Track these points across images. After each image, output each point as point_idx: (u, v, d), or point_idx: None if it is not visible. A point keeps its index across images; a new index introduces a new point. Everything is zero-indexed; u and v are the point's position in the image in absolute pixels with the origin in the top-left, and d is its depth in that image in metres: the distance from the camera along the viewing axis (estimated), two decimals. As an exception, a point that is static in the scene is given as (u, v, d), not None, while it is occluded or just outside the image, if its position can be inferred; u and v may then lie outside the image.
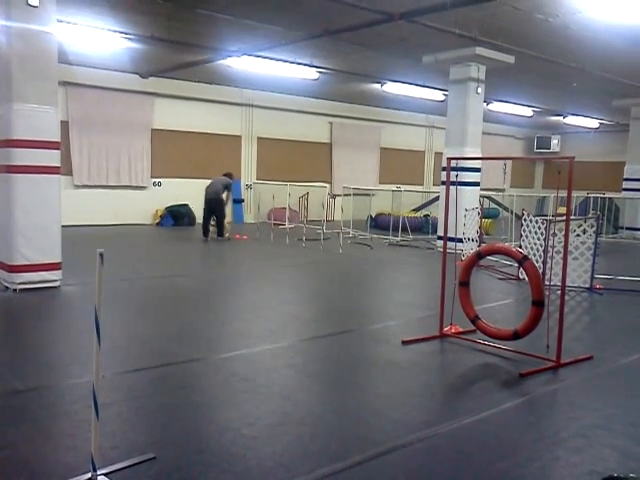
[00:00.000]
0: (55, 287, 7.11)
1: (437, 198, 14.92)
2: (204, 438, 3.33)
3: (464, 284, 5.42)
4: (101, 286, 2.70)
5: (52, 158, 7.01)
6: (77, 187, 14.05)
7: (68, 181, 13.53)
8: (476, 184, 11.71)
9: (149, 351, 4.95)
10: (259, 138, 17.13)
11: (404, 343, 5.31)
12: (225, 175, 13.23)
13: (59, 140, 7.13)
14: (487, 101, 15.34)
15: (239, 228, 14.92)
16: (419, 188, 20.15)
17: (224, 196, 12.75)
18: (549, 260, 7.80)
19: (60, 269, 7.17)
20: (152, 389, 4.10)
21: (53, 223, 7.10)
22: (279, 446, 3.26)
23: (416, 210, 17.48)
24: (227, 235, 12.72)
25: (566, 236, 4.97)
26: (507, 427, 3.67)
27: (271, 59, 11.74)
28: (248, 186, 17.03)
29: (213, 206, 12.63)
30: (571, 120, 20.25)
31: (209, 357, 4.81)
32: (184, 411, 3.72)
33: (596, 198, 16.40)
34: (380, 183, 19.44)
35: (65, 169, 11.79)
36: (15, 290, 6.85)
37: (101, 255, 2.67)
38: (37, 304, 6.51)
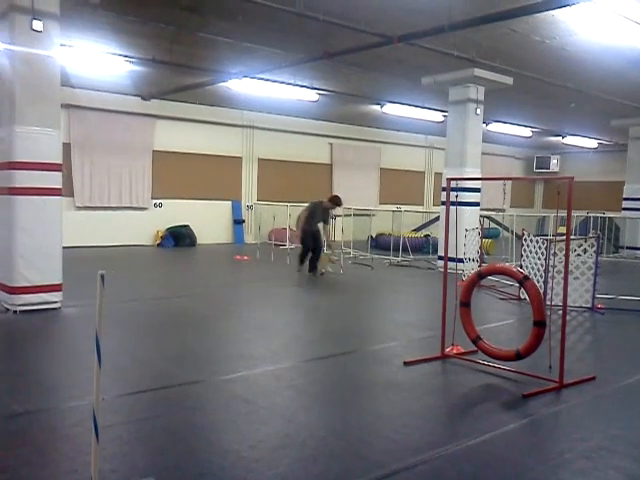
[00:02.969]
0: (56, 309, 7.09)
1: (437, 218, 14.95)
2: (205, 461, 3.30)
3: (465, 304, 5.41)
4: (102, 308, 2.70)
5: (54, 180, 7.04)
6: (78, 208, 14.09)
7: (69, 202, 13.57)
8: (476, 204, 11.73)
9: (150, 373, 4.92)
10: (260, 159, 17.22)
11: (406, 364, 5.28)
12: (330, 200, 11.23)
13: (61, 162, 7.18)
14: (486, 122, 15.45)
15: (240, 249, 14.95)
16: (419, 208, 20.21)
17: (320, 226, 11.12)
18: (550, 280, 7.79)
19: (61, 291, 7.16)
20: (153, 411, 4.07)
21: (54, 244, 7.10)
22: (281, 469, 3.23)
23: (416, 230, 17.50)
24: (322, 270, 11.08)
25: (567, 256, 4.97)
26: (510, 449, 3.64)
27: (271, 81, 11.85)
28: (249, 207, 17.09)
29: (314, 240, 11.01)
30: (570, 140, 20.37)
31: (210, 379, 4.78)
32: (185, 434, 3.69)
33: (596, 218, 16.42)
34: (380, 203, 19.50)
35: (66, 191, 11.81)
36: (15, 312, 6.83)
37: (102, 276, 2.67)
38: (37, 326, 6.49)
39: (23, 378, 4.71)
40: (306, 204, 11.26)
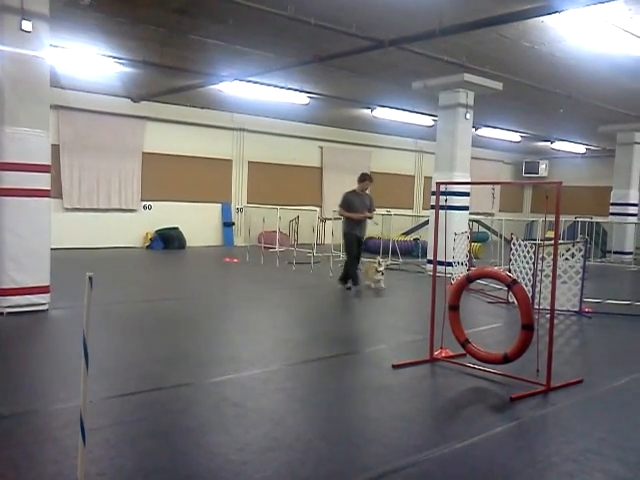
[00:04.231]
0: (43, 310, 7.04)
1: (427, 222, 15.01)
2: (193, 464, 3.29)
3: (454, 308, 5.43)
4: (89, 310, 2.69)
5: (42, 181, 7.00)
6: (67, 210, 14.01)
7: (58, 204, 13.48)
8: (465, 208, 11.79)
9: (138, 375, 4.90)
10: (250, 162, 17.21)
11: (394, 367, 5.29)
12: (361, 181, 9.54)
13: (50, 163, 7.13)
14: (476, 126, 15.51)
15: (229, 251, 14.91)
16: (409, 212, 20.27)
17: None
18: (538, 284, 7.83)
19: (49, 292, 7.11)
20: (140, 414, 4.05)
21: (42, 246, 7.06)
22: (268, 472, 3.23)
23: (406, 234, 17.55)
24: (371, 284, 9.86)
25: (555, 260, 5.01)
26: (498, 452, 3.66)
27: (262, 84, 11.86)
28: (239, 209, 17.07)
29: (359, 245, 9.65)
30: (559, 145, 20.51)
31: (198, 382, 4.77)
32: (172, 436, 3.67)
33: (584, 222, 16.54)
34: (370, 207, 19.50)
35: (55, 192, 11.76)
36: (2, 314, 6.77)
37: (90, 279, 2.66)
38: (25, 328, 6.45)
39: (10, 380, 4.67)
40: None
